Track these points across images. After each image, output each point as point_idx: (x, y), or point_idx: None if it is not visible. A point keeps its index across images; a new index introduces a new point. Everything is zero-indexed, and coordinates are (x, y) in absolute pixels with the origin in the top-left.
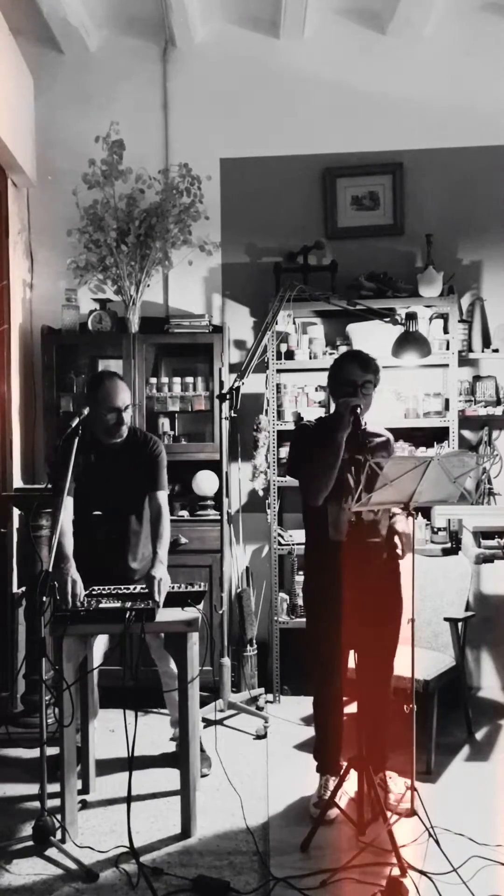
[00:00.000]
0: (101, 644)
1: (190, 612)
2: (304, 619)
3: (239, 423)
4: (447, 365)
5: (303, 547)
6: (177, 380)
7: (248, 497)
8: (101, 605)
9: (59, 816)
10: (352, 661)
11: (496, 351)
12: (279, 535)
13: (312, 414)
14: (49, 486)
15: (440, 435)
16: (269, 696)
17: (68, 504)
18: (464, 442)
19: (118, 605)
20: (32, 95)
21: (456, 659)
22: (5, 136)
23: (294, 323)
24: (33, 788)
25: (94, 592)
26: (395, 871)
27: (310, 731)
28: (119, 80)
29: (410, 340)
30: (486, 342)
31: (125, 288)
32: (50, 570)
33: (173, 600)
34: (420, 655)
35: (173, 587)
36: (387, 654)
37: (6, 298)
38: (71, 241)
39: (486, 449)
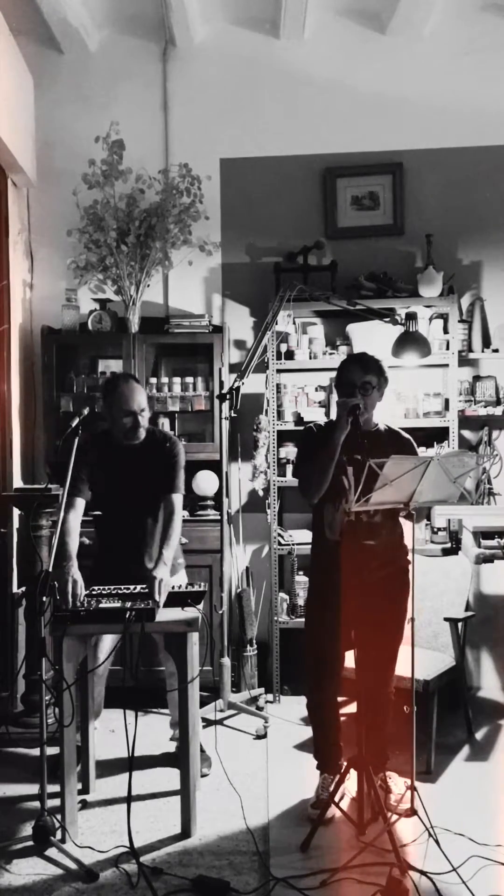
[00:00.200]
0: (106, 646)
1: (190, 612)
2: (304, 619)
3: (239, 423)
4: (447, 365)
5: (303, 547)
6: (177, 380)
7: (248, 497)
8: (101, 605)
9: (59, 816)
10: (352, 661)
11: (496, 351)
12: (279, 535)
13: (312, 414)
14: (48, 486)
15: (440, 435)
16: (269, 696)
17: (78, 504)
18: (464, 442)
19: (118, 605)
20: (32, 95)
21: (456, 659)
22: (5, 136)
23: (294, 323)
24: (33, 788)
25: (94, 592)
26: (395, 872)
27: (310, 731)
28: (119, 80)
29: (410, 340)
30: (486, 342)
31: (125, 288)
32: (50, 569)
33: (173, 600)
34: (420, 655)
35: (173, 587)
36: (387, 655)
37: (6, 298)
38: (71, 241)
39: (486, 449)
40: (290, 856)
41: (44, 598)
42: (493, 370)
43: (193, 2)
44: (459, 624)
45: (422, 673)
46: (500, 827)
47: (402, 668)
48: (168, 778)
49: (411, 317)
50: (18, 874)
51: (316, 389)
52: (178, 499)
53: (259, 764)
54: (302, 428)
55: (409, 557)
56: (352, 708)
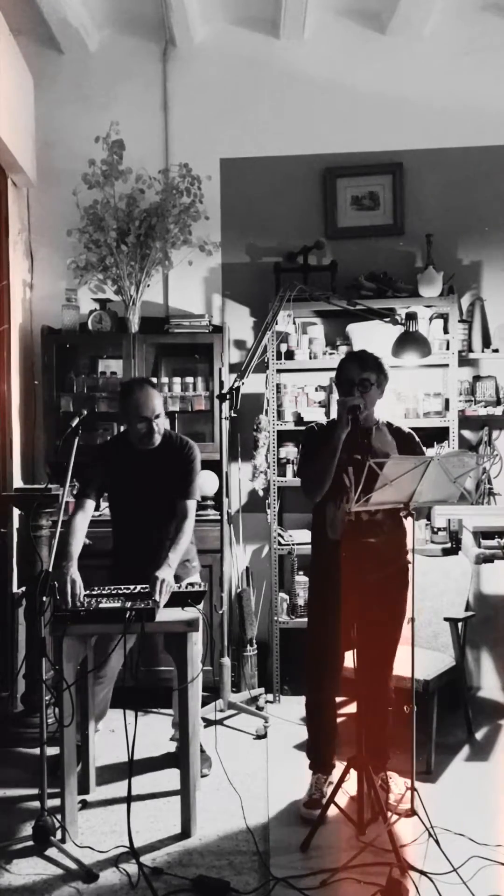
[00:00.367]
0: (120, 649)
1: (190, 612)
2: (304, 619)
3: (239, 423)
4: (447, 365)
5: (303, 547)
6: (177, 380)
7: (248, 497)
8: (101, 605)
9: (59, 816)
10: (352, 661)
11: (496, 351)
12: (279, 535)
13: (312, 414)
14: (48, 486)
15: (440, 435)
16: (269, 696)
17: (87, 506)
18: (464, 442)
19: (118, 605)
20: (32, 95)
21: (456, 659)
22: (5, 136)
23: (294, 323)
24: (33, 788)
25: (94, 592)
26: (395, 872)
27: None
28: (119, 80)
29: (410, 340)
30: (486, 342)
31: (125, 288)
32: (50, 569)
33: (173, 600)
34: (420, 655)
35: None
36: (386, 654)
37: (6, 298)
38: (71, 241)
39: (486, 449)
40: (290, 856)
41: (44, 598)
42: (493, 370)
43: (193, 2)
44: (459, 624)
45: (422, 673)
46: (500, 827)
47: (402, 668)
48: (168, 778)
49: (411, 317)
50: (18, 874)
51: (316, 389)
52: (191, 505)
53: (259, 764)
54: (303, 428)
55: (409, 557)
56: (352, 708)
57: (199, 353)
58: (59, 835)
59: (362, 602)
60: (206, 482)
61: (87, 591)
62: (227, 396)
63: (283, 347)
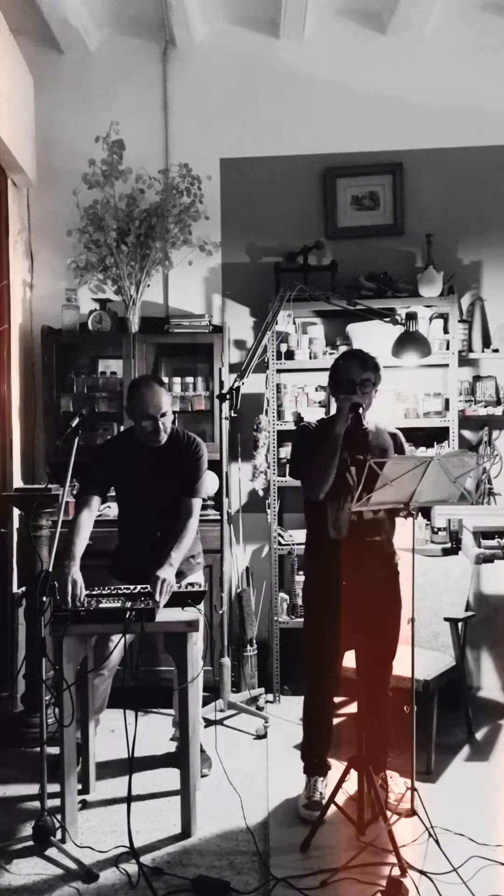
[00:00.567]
0: (117, 638)
1: (190, 612)
2: (303, 619)
3: (239, 423)
4: (447, 365)
5: (302, 547)
6: (177, 380)
7: (248, 497)
8: (101, 605)
9: (59, 816)
10: (352, 661)
11: (496, 351)
12: (279, 535)
13: (312, 414)
14: (48, 486)
15: (440, 435)
16: (269, 696)
17: (93, 503)
18: (464, 442)
19: (118, 604)
20: (32, 95)
21: (456, 659)
22: (5, 136)
23: (294, 323)
24: (33, 788)
25: (94, 592)
26: (395, 871)
27: None
28: (119, 80)
29: (410, 340)
30: (486, 342)
31: (125, 288)
32: (50, 569)
33: (173, 600)
34: (420, 655)
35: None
36: (388, 654)
37: (6, 298)
38: (71, 241)
39: (486, 449)
40: (290, 856)
41: (44, 598)
42: (493, 370)
43: (193, 2)
44: (459, 624)
45: (422, 673)
46: (500, 827)
47: (402, 668)
48: (168, 778)
49: (411, 317)
50: (18, 874)
51: (316, 389)
52: (196, 503)
53: (259, 764)
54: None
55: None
56: (352, 708)
57: (199, 353)
58: (59, 835)
59: (363, 602)
60: (206, 482)
61: (88, 591)
62: (227, 396)
63: (283, 347)
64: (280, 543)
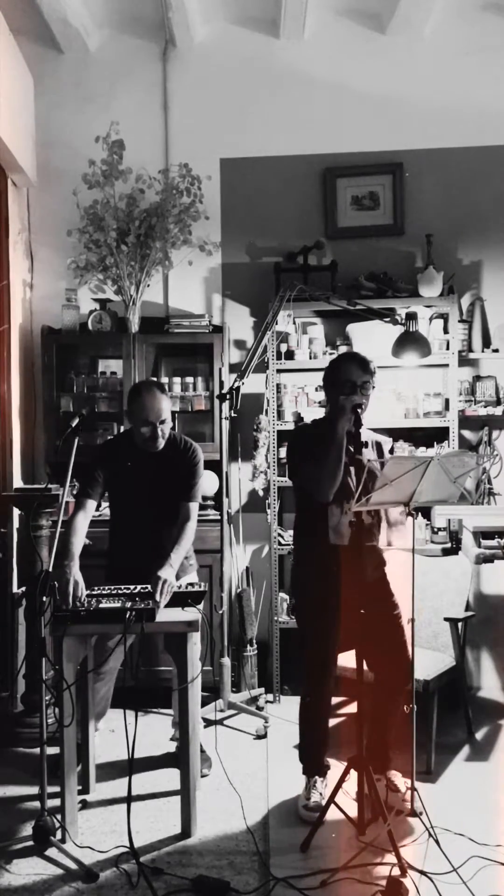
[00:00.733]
0: (117, 639)
1: (190, 612)
2: (297, 622)
3: (239, 423)
4: (447, 365)
5: None
6: (177, 380)
7: (248, 497)
8: (101, 605)
9: (59, 816)
10: (351, 661)
11: (496, 351)
12: (279, 535)
13: (312, 414)
14: (48, 486)
15: (440, 435)
16: (269, 696)
17: (89, 505)
18: (464, 442)
19: (118, 605)
20: (32, 95)
21: (456, 659)
22: (5, 136)
23: (294, 323)
24: (33, 788)
25: (94, 592)
26: (395, 871)
27: None
28: (119, 80)
29: (410, 340)
30: (486, 342)
31: (125, 288)
32: (50, 569)
33: (173, 600)
34: (420, 655)
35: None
36: (403, 653)
37: (6, 298)
38: (71, 241)
39: (486, 449)
40: (290, 856)
41: (44, 598)
42: (493, 370)
43: (193, 2)
44: (459, 624)
45: (422, 673)
46: (500, 827)
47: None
48: (168, 778)
49: (411, 317)
50: (18, 874)
51: (316, 389)
52: (194, 507)
53: (259, 764)
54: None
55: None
56: (352, 708)
57: (199, 353)
58: (59, 835)
59: (357, 605)
60: (206, 482)
61: (88, 591)
62: (227, 396)
63: (283, 347)
64: (280, 543)
